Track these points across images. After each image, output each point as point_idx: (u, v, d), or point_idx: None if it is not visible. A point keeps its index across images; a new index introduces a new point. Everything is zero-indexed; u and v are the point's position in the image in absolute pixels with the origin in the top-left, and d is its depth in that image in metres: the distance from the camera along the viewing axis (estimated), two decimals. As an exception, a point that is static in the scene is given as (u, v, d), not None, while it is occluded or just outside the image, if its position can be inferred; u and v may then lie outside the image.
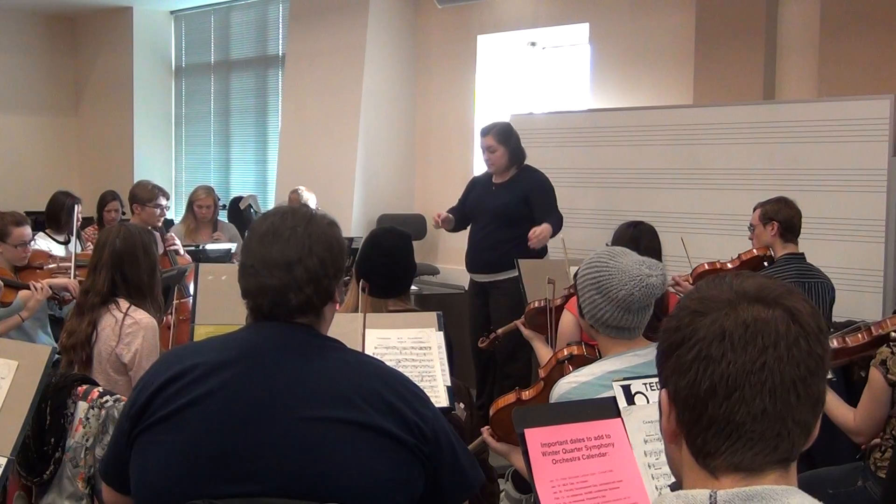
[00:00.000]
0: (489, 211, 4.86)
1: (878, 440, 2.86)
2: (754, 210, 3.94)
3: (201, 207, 5.80)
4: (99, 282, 3.20)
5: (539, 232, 4.57)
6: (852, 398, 2.96)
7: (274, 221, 1.73)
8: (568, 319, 3.31)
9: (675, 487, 1.13)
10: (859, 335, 2.98)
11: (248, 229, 1.80)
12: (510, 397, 2.45)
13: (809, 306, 1.09)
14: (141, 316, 3.17)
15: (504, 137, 4.86)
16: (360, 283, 2.73)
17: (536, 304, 3.54)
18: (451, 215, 5.00)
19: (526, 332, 3.60)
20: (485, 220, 4.88)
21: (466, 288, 5.30)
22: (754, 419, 1.05)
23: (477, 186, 5.07)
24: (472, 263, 4.99)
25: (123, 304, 3.19)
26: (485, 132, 4.93)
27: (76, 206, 5.53)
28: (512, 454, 2.36)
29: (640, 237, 3.64)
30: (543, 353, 3.47)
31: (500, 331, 3.86)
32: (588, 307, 2.26)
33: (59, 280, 4.20)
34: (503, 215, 4.79)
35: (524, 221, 4.70)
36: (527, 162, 4.98)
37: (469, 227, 5.07)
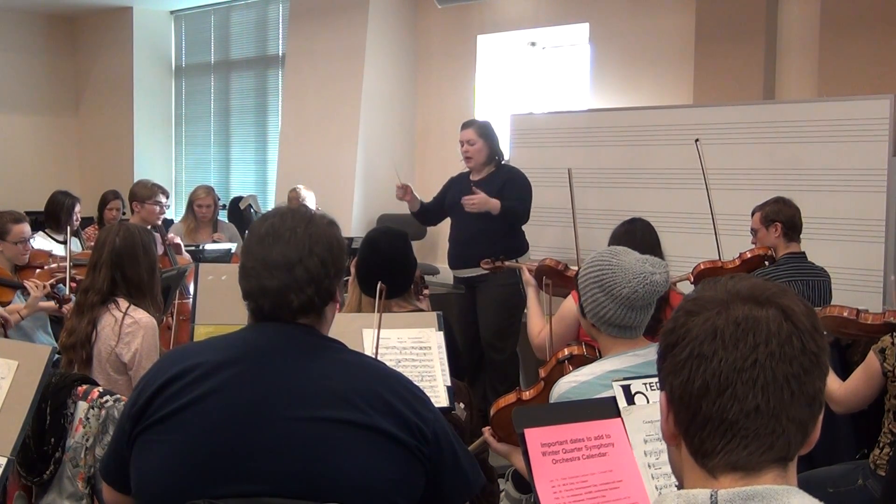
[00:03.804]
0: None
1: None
2: (752, 214, 3.94)
3: (201, 207, 5.80)
4: (98, 280, 3.20)
5: (476, 198, 4.65)
6: (846, 377, 3.01)
7: (274, 222, 1.72)
8: (570, 305, 3.29)
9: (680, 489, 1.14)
10: (872, 316, 3.04)
11: (248, 230, 1.79)
12: (510, 397, 2.45)
13: (804, 305, 1.09)
14: (140, 315, 3.17)
15: (484, 132, 4.90)
16: (378, 287, 2.66)
17: (553, 264, 3.57)
18: (417, 196, 5.06)
19: (527, 276, 3.64)
20: (465, 215, 4.85)
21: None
22: (747, 416, 1.05)
23: (455, 185, 5.07)
24: (455, 259, 4.99)
25: (123, 303, 3.19)
26: (465, 125, 4.96)
27: (75, 206, 5.53)
28: (513, 454, 2.36)
29: (634, 230, 3.65)
30: (534, 307, 3.52)
31: (506, 263, 4.01)
32: (591, 305, 2.26)
33: (48, 305, 4.16)
34: (480, 212, 4.77)
35: (502, 216, 4.74)
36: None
37: (450, 225, 5.08)
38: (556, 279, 3.59)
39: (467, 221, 4.82)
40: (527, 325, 3.56)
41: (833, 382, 2.93)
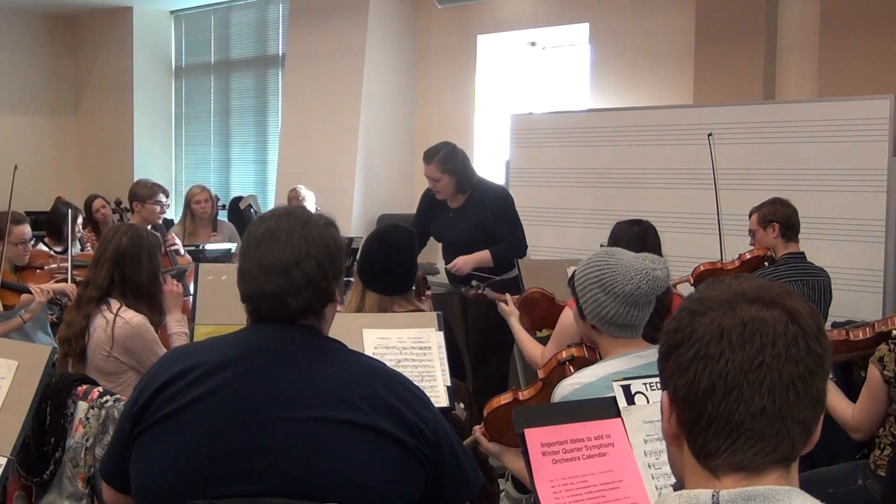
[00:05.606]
0: (453, 242, 4.74)
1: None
2: (750, 216, 3.94)
3: (199, 203, 5.78)
4: (99, 276, 3.18)
5: (456, 262, 4.47)
6: (852, 398, 2.98)
7: (270, 225, 1.71)
8: (568, 315, 3.28)
9: (677, 489, 1.14)
10: (861, 331, 3.00)
11: (245, 233, 1.78)
12: (507, 397, 2.43)
13: (808, 307, 1.09)
14: (131, 315, 3.14)
15: (447, 165, 4.57)
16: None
17: (539, 295, 3.53)
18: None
19: (503, 308, 3.59)
20: (453, 247, 4.73)
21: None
22: (753, 417, 1.05)
23: (435, 210, 4.83)
24: (450, 278, 4.92)
25: (115, 304, 3.16)
26: (426, 159, 4.63)
27: (77, 216, 5.52)
28: (503, 455, 2.35)
29: (645, 236, 3.61)
30: (522, 335, 3.48)
31: (487, 294, 3.88)
32: (591, 306, 2.25)
33: (58, 286, 4.17)
34: (467, 245, 4.63)
35: (489, 241, 4.58)
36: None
37: (440, 251, 4.95)
38: (546, 309, 3.53)
39: (456, 252, 4.68)
40: (523, 353, 3.53)
41: (847, 409, 2.87)
